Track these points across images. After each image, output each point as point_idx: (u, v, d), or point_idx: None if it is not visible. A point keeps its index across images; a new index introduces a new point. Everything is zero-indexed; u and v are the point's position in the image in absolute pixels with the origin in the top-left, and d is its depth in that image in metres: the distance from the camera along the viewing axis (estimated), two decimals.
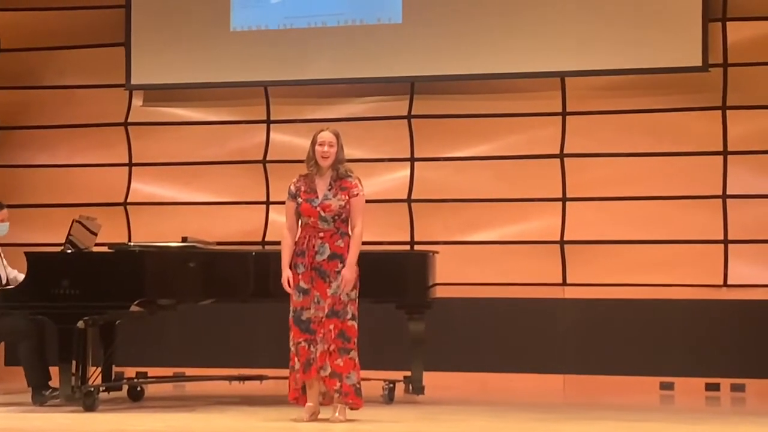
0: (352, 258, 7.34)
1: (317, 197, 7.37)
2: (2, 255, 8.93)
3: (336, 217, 7.36)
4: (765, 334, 10.16)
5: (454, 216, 10.76)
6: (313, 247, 7.34)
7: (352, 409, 7.36)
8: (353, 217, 7.39)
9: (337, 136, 7.43)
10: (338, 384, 7.27)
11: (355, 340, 7.33)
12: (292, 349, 7.34)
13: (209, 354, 10.74)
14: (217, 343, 10.80)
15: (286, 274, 7.37)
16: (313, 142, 7.43)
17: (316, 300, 7.31)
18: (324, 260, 7.32)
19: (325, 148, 7.39)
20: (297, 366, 7.32)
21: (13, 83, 11.52)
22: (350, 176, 7.43)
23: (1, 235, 8.88)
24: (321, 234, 7.36)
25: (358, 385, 7.34)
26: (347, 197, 7.37)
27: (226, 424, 7.49)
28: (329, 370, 7.25)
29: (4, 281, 8.76)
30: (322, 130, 7.46)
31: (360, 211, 7.39)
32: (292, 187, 7.46)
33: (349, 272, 7.32)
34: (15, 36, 11.48)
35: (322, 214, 7.34)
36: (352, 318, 7.33)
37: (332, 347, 7.26)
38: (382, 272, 8.54)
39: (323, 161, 7.40)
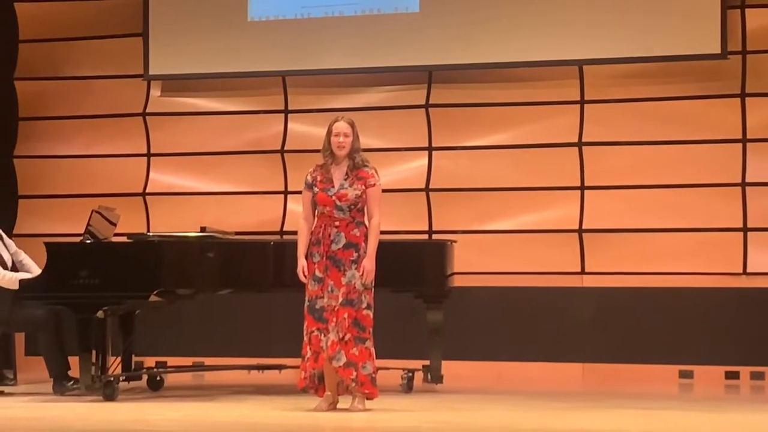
0: (371, 249, 7.34)
1: (333, 187, 7.38)
2: (2, 236, 8.95)
3: (352, 207, 7.36)
4: None
5: (472, 205, 10.75)
6: (329, 236, 7.35)
7: (367, 398, 7.36)
8: (370, 207, 7.39)
9: (352, 125, 7.43)
10: (354, 373, 7.27)
11: (371, 330, 7.33)
12: (305, 338, 7.35)
13: (228, 343, 10.76)
14: (235, 333, 10.82)
15: (302, 263, 7.38)
16: (329, 132, 7.44)
17: (329, 289, 7.32)
18: (339, 249, 7.33)
19: (341, 138, 7.39)
20: (309, 355, 7.33)
21: (32, 74, 11.55)
22: (367, 166, 7.43)
23: None
24: (337, 223, 7.36)
25: (374, 375, 7.34)
26: (363, 187, 7.37)
27: (244, 413, 7.51)
28: (344, 359, 7.25)
29: (9, 265, 8.80)
30: (336, 120, 7.45)
31: (377, 201, 7.39)
32: (309, 177, 7.47)
33: (370, 263, 7.32)
34: (34, 27, 11.51)
35: (338, 203, 7.35)
36: (368, 307, 7.33)
37: (347, 336, 7.26)
38: (401, 262, 8.55)
39: (339, 151, 7.40)
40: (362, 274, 7.29)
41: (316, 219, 7.45)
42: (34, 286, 8.22)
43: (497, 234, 10.71)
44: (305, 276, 7.37)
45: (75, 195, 11.22)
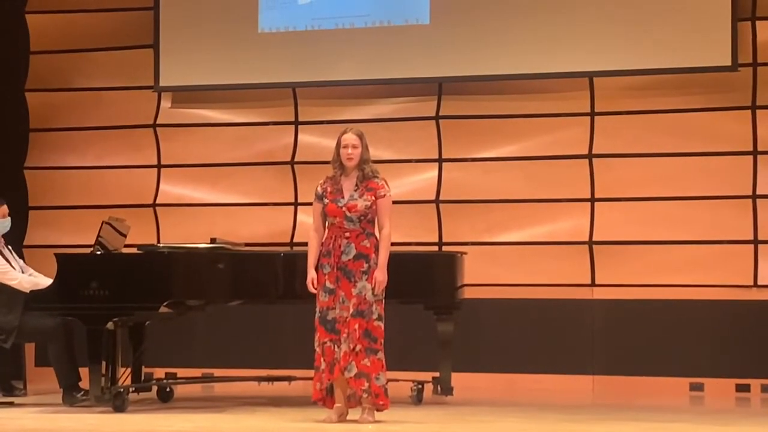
0: (382, 260, 7.34)
1: (343, 197, 7.38)
2: (12, 251, 8.99)
3: (362, 218, 7.37)
4: None
5: (482, 217, 10.75)
6: (339, 247, 7.35)
7: (379, 410, 7.36)
8: (380, 218, 7.39)
9: (360, 136, 7.44)
10: (366, 384, 7.27)
11: (382, 341, 7.33)
12: (318, 349, 7.35)
13: (238, 355, 10.76)
14: (245, 344, 10.82)
15: (311, 275, 7.39)
16: (338, 144, 7.46)
17: (341, 300, 7.32)
18: (349, 260, 7.33)
19: (349, 150, 7.40)
20: (323, 366, 7.33)
21: (43, 85, 11.57)
22: (377, 177, 7.44)
23: (3, 231, 8.93)
24: (347, 234, 7.37)
25: (386, 386, 7.34)
26: (373, 198, 7.37)
27: (254, 425, 7.50)
28: (355, 370, 7.25)
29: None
30: (345, 132, 7.47)
31: (387, 212, 7.40)
32: (319, 189, 7.48)
33: (381, 274, 7.32)
34: (45, 38, 11.54)
35: (348, 214, 7.35)
36: (379, 318, 7.32)
37: (358, 347, 7.26)
38: (411, 273, 8.54)
39: (348, 162, 7.41)
40: (374, 286, 7.29)
41: (326, 230, 7.45)
42: (45, 296, 8.23)
43: (507, 246, 10.70)
44: (315, 288, 7.38)
45: (85, 206, 11.23)
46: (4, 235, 8.98)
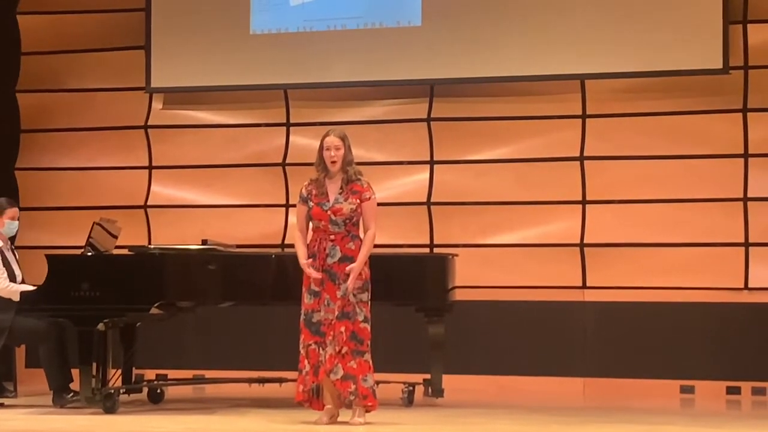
0: (362, 255, 7.32)
1: (328, 201, 7.38)
2: (16, 253, 8.98)
3: (347, 221, 7.37)
4: None
5: (473, 219, 10.75)
6: (324, 249, 7.35)
7: (368, 411, 7.36)
8: (366, 220, 7.39)
9: (342, 138, 7.43)
10: (353, 386, 7.27)
11: (369, 342, 7.33)
12: (302, 351, 7.35)
13: (229, 356, 10.75)
14: (236, 346, 10.82)
15: (305, 261, 7.33)
16: (320, 147, 7.45)
17: (326, 302, 7.32)
18: (335, 263, 7.33)
19: (332, 152, 7.40)
20: (307, 368, 7.33)
21: (34, 86, 11.56)
22: (360, 180, 7.43)
23: (11, 233, 8.93)
24: (332, 237, 7.36)
25: (374, 387, 7.34)
26: (358, 201, 7.37)
27: (245, 427, 7.50)
28: (341, 372, 7.26)
29: (19, 279, 8.80)
30: (327, 134, 7.46)
31: (373, 215, 7.40)
32: (304, 191, 7.48)
33: (358, 266, 7.27)
34: (37, 39, 11.53)
35: (333, 217, 7.35)
36: (365, 320, 7.32)
37: (345, 349, 7.26)
38: (402, 275, 8.55)
39: (331, 165, 7.41)
40: (349, 279, 7.24)
41: (311, 233, 7.45)
42: (35, 298, 8.22)
43: (498, 248, 10.70)
44: (313, 273, 7.30)
45: (76, 207, 11.22)
46: None
